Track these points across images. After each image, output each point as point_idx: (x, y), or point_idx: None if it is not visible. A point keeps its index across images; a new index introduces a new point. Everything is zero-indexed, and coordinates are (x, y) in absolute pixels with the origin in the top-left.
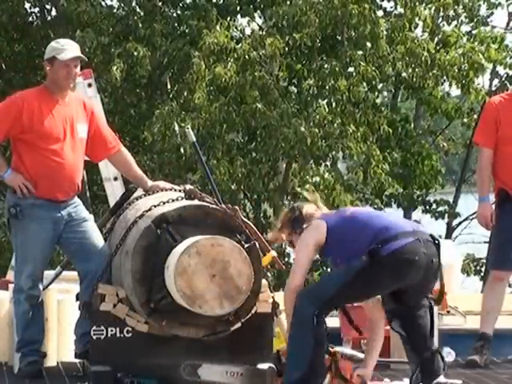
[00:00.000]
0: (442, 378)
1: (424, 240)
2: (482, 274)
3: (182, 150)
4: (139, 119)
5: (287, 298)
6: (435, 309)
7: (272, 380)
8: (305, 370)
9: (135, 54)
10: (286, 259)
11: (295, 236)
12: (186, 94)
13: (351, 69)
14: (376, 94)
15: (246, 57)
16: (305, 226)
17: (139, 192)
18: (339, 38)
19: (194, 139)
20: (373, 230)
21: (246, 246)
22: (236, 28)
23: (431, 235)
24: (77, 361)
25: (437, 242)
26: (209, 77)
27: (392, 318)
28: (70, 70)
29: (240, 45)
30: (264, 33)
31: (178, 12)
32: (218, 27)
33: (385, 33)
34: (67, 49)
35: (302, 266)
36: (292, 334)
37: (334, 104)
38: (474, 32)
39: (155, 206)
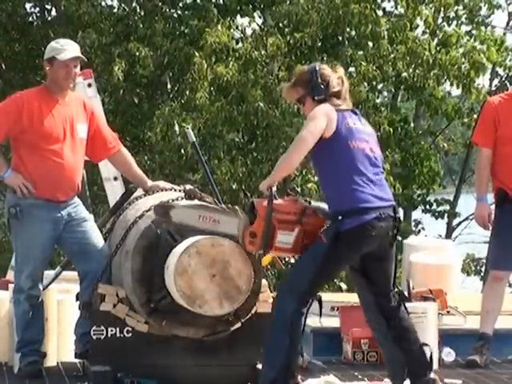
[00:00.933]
0: (432, 374)
1: (385, 215)
2: (482, 274)
3: (182, 151)
4: (140, 119)
5: (282, 166)
6: (435, 309)
7: (244, 228)
8: (278, 370)
9: (137, 53)
10: (286, 259)
11: (308, 100)
12: (188, 93)
13: (352, 69)
14: (376, 94)
15: (248, 56)
16: (322, 96)
17: (139, 192)
18: (340, 37)
19: (194, 139)
20: (345, 197)
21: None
22: (237, 28)
23: (394, 208)
24: (77, 361)
25: (396, 215)
26: (210, 76)
27: (370, 316)
28: (70, 70)
29: (241, 44)
30: (265, 33)
31: (179, 12)
32: (219, 26)
33: (386, 32)
34: (67, 49)
35: (306, 143)
36: (271, 330)
37: None
38: (474, 32)
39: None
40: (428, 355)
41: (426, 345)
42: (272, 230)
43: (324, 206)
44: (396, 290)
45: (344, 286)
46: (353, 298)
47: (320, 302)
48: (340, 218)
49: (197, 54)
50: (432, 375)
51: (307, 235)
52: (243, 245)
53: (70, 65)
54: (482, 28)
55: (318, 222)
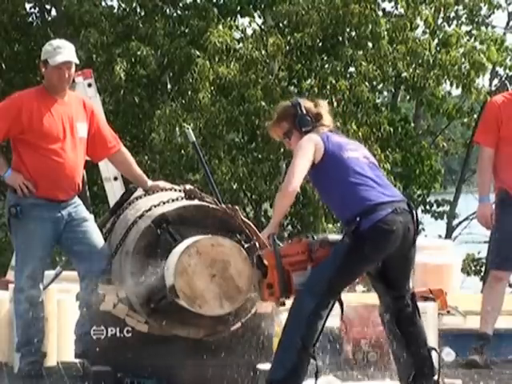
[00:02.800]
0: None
1: (401, 209)
2: (482, 274)
3: (182, 151)
4: (140, 119)
5: (282, 198)
6: (435, 309)
7: (259, 282)
8: (288, 371)
9: (138, 53)
10: None
11: (295, 134)
12: (190, 93)
13: (352, 69)
14: (377, 94)
15: (249, 56)
16: (309, 128)
17: (139, 192)
18: (340, 38)
19: (194, 139)
20: (356, 199)
21: (246, 245)
22: (237, 28)
23: (408, 203)
24: (77, 361)
25: (412, 209)
26: (212, 76)
27: (386, 316)
28: (63, 74)
29: (242, 44)
30: (265, 32)
31: (179, 12)
32: (220, 26)
33: (386, 32)
34: (59, 52)
35: (302, 169)
36: (285, 329)
37: (335, 104)
38: (474, 32)
39: (155, 206)
40: (435, 359)
41: (434, 348)
42: (287, 275)
43: (326, 236)
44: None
45: (362, 289)
46: (353, 298)
47: (341, 304)
48: (358, 219)
49: (197, 53)
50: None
51: None
52: (264, 299)
53: (63, 68)
54: (483, 28)
55: (327, 252)
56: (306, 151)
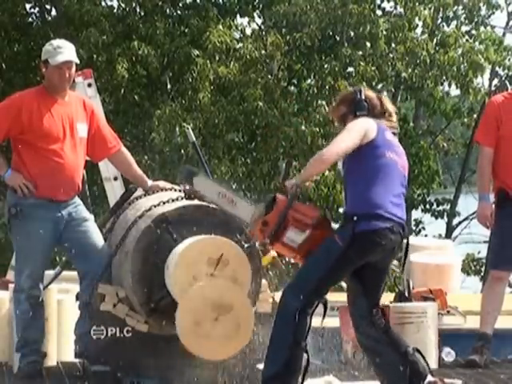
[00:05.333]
0: (430, 377)
1: (397, 230)
2: (482, 274)
3: (182, 151)
4: (140, 119)
5: (317, 161)
6: (435, 309)
7: (259, 216)
8: (280, 367)
9: (139, 52)
10: (287, 259)
11: (350, 118)
12: (190, 93)
13: (351, 68)
14: None
15: (248, 56)
16: (364, 113)
17: (139, 192)
18: (338, 38)
19: (194, 139)
20: (370, 201)
21: (246, 245)
22: (236, 27)
23: (403, 227)
24: (77, 361)
25: (405, 235)
26: (213, 76)
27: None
28: (63, 74)
29: (242, 44)
30: (264, 32)
31: (179, 12)
32: (220, 26)
33: (384, 33)
34: (60, 52)
35: (345, 147)
36: (275, 327)
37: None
38: (473, 32)
39: (155, 206)
40: (421, 359)
41: (417, 350)
42: (285, 225)
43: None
44: (397, 290)
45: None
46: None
47: (325, 305)
48: (355, 218)
49: (196, 52)
50: (431, 378)
51: (313, 242)
52: (252, 232)
53: (63, 68)
54: (481, 28)
55: (327, 233)
56: (358, 133)
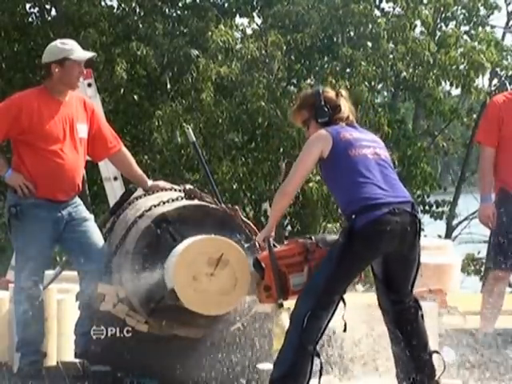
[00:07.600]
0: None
1: (400, 210)
2: (482, 274)
3: (182, 151)
4: (140, 119)
5: (278, 200)
6: (435, 309)
7: (257, 284)
8: (286, 369)
9: (138, 53)
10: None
11: (313, 124)
12: (192, 93)
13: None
14: (375, 94)
15: (249, 56)
16: (326, 119)
17: (139, 192)
18: (339, 38)
19: (194, 139)
20: (355, 198)
21: (246, 245)
22: (237, 27)
23: (412, 204)
24: (77, 361)
25: (415, 211)
26: (214, 76)
27: (386, 318)
28: (82, 70)
29: (243, 44)
30: (264, 32)
31: (178, 12)
32: (221, 26)
33: (385, 32)
34: (76, 49)
35: (303, 170)
36: (288, 329)
37: None
38: (473, 32)
39: (155, 206)
40: (435, 363)
41: (436, 351)
42: (284, 277)
43: (324, 236)
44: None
45: (361, 288)
46: (355, 298)
47: (344, 303)
48: (353, 216)
49: (196, 52)
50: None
51: (317, 266)
52: (261, 301)
53: (81, 64)
54: (480, 28)
55: (324, 253)
56: (312, 151)
